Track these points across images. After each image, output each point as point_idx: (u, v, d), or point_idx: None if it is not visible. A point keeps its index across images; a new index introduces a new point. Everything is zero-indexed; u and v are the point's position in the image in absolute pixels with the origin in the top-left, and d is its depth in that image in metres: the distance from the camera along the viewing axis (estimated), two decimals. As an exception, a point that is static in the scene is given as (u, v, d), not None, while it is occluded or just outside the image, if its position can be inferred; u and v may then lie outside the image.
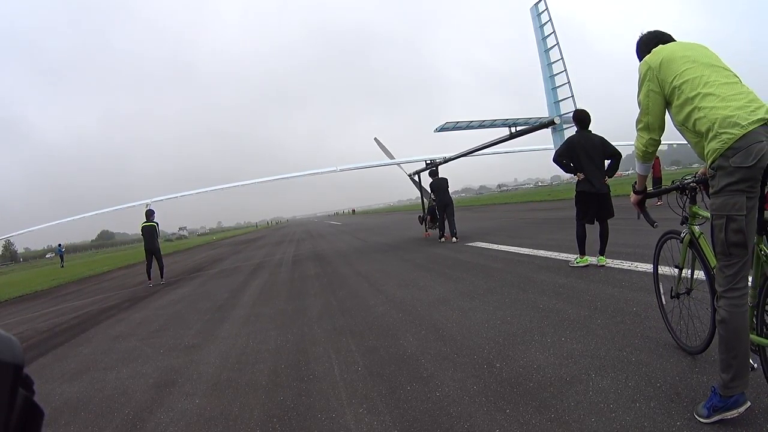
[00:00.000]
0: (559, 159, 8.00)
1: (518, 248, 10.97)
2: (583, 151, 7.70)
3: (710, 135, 2.66)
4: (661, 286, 3.98)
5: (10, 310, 16.57)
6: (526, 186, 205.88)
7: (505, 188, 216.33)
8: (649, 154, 3.18)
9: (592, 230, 7.89)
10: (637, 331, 4.30)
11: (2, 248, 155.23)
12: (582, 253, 7.83)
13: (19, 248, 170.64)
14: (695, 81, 2.81)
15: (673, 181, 3.50)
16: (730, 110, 2.63)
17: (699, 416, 2.73)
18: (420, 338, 5.26)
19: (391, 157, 22.95)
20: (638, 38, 3.40)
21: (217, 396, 4.49)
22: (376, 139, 24.25)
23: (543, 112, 13.41)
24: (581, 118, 7.95)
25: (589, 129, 7.95)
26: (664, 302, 3.96)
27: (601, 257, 7.56)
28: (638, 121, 3.14)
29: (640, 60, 3.23)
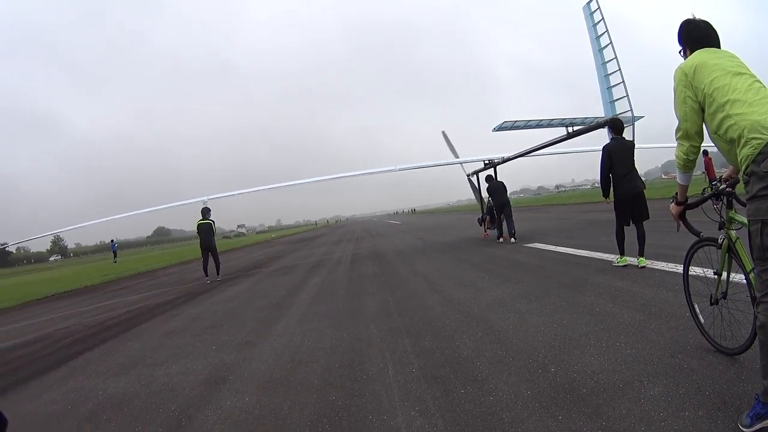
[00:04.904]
0: (606, 171, 8.43)
1: (575, 250, 11.23)
2: (618, 156, 8.24)
3: (741, 141, 2.74)
4: (689, 291, 4.15)
5: (58, 305, 17.19)
6: (583, 187, 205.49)
7: (562, 189, 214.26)
8: (690, 162, 3.28)
9: (631, 232, 8.22)
10: (689, 338, 4.33)
11: (51, 243, 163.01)
12: (621, 253, 8.39)
13: (70, 244, 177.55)
14: (724, 89, 2.91)
15: (704, 190, 3.54)
16: (757, 115, 2.72)
17: (742, 425, 2.76)
18: (476, 340, 5.37)
19: (456, 155, 23.14)
20: (684, 23, 3.46)
21: (267, 394, 4.64)
22: (443, 133, 24.33)
23: (597, 111, 13.85)
24: (616, 125, 8.72)
25: (623, 135, 8.66)
26: (696, 308, 4.13)
27: (641, 258, 7.94)
28: (677, 130, 3.25)
29: (681, 43, 3.42)
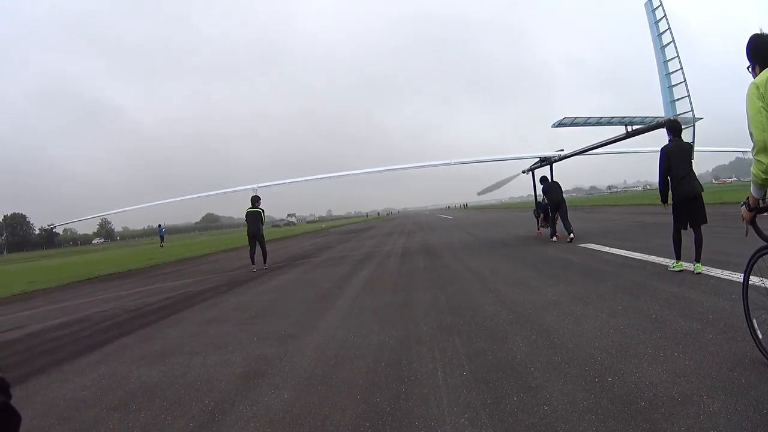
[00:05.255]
0: (664, 174, 8.37)
1: (629, 252, 11.25)
2: (676, 158, 8.23)
3: None
4: (748, 302, 4.12)
5: (99, 287, 17.39)
6: (635, 188, 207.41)
7: (614, 189, 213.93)
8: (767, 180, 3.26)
9: (687, 236, 8.22)
10: (746, 351, 4.23)
11: (98, 226, 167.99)
12: (677, 257, 8.38)
13: (117, 227, 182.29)
14: None
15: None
16: None
17: None
18: (530, 343, 5.25)
19: (499, 186, 23.92)
20: (753, 38, 3.45)
21: (307, 392, 4.49)
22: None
23: (651, 112, 14.03)
24: (674, 126, 8.69)
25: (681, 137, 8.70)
26: (755, 323, 4.03)
27: (697, 264, 7.95)
28: (754, 147, 3.22)
29: (749, 59, 3.45)
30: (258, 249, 17.08)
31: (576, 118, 14.89)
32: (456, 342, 5.57)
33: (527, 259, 12.24)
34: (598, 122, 14.95)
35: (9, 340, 8.79)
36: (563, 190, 17.46)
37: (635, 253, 10.78)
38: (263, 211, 17.68)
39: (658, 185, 8.58)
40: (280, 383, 4.80)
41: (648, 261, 9.68)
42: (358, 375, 4.80)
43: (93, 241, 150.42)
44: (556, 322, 5.92)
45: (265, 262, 17.23)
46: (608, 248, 12.30)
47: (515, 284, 8.78)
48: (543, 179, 18.18)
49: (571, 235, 15.27)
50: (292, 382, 4.81)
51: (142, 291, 14.41)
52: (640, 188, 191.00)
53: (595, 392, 3.77)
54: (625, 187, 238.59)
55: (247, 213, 17.36)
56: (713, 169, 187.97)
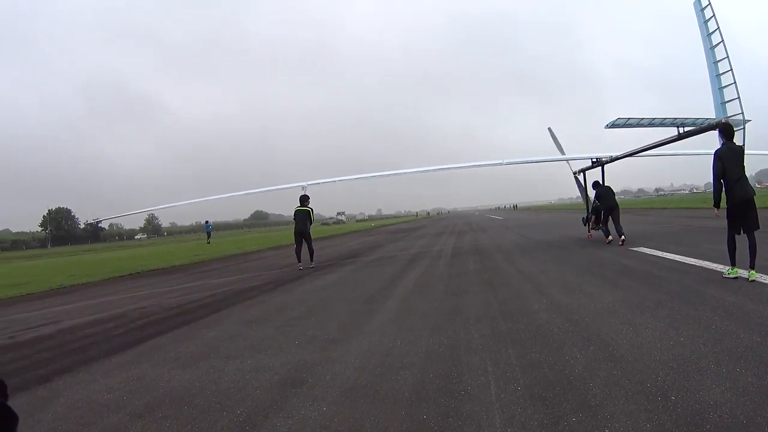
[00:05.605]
0: (719, 177, 8.34)
1: (682, 257, 11.10)
2: (729, 161, 8.20)
3: None
4: None
5: (141, 282, 17.53)
6: (681, 191, 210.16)
7: (661, 192, 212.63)
8: None
9: (742, 242, 8.08)
10: None
11: (145, 222, 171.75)
12: (732, 264, 8.29)
13: (165, 223, 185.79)
14: None
15: None
16: None
17: None
18: (587, 355, 5.04)
19: (562, 152, 23.30)
20: None
21: (348, 405, 4.26)
22: (549, 129, 24.45)
23: (700, 113, 13.96)
24: (727, 129, 8.72)
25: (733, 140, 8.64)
26: None
27: (752, 272, 7.85)
28: None
29: None
30: (304, 247, 17.20)
31: (629, 118, 14.86)
32: (509, 352, 5.35)
33: (580, 263, 12.14)
34: (651, 123, 14.92)
35: (40, 336, 8.81)
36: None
37: (688, 258, 10.69)
38: (312, 210, 17.97)
39: (713, 189, 8.46)
40: (319, 394, 4.55)
41: (702, 267, 9.55)
42: (405, 387, 4.54)
43: (136, 237, 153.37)
44: (613, 331, 5.74)
45: (311, 260, 17.35)
46: (661, 252, 12.22)
47: (569, 290, 8.59)
48: (595, 184, 18.23)
49: (623, 237, 15.46)
50: (332, 393, 4.56)
51: (184, 288, 14.40)
52: (686, 191, 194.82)
53: (658, 413, 3.58)
54: (672, 190, 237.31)
55: (295, 211, 17.65)
56: (756, 173, 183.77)
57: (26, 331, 9.32)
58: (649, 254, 12.25)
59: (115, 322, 9.39)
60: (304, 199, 17.80)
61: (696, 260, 10.26)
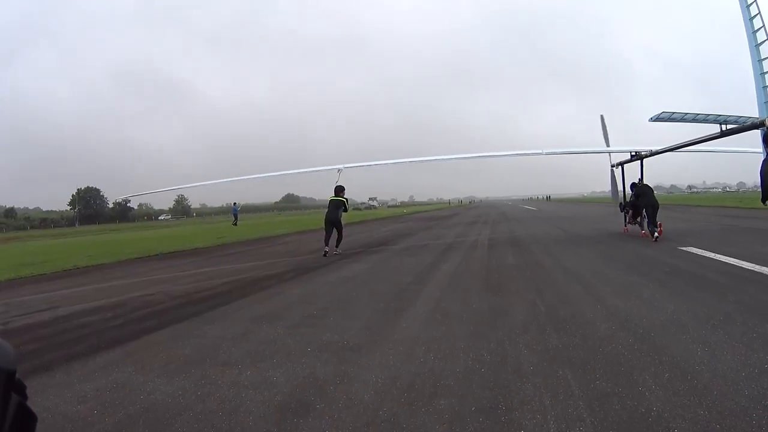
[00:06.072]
0: None
1: (737, 260, 10.39)
2: None
3: None
4: None
5: (158, 266, 16.84)
6: (714, 189, 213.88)
7: (694, 190, 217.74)
8: None
9: None
10: None
11: (175, 202, 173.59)
12: None
13: (195, 204, 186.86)
14: None
15: None
16: None
17: None
18: (663, 385, 4.10)
19: (607, 143, 23.30)
20: None
21: None
22: (601, 117, 24.26)
23: (741, 111, 14.20)
24: None
25: None
26: None
27: None
28: None
29: None
30: (334, 235, 17.19)
31: (674, 113, 15.17)
32: (568, 377, 4.39)
33: (626, 261, 11.72)
34: (695, 119, 15.10)
35: (33, 323, 8.14)
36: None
37: (744, 262, 9.94)
38: (347, 200, 18.22)
39: (760, 185, 8.45)
40: (327, 426, 3.62)
41: (762, 273, 8.84)
42: (438, 424, 3.57)
43: (159, 217, 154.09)
44: (687, 352, 4.88)
45: (337, 246, 17.29)
46: (712, 254, 11.53)
47: (624, 293, 7.80)
48: (633, 185, 18.64)
49: (656, 234, 15.57)
50: (344, 426, 3.61)
51: (199, 273, 13.73)
52: (719, 189, 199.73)
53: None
54: (704, 188, 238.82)
55: (330, 200, 18.04)
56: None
57: (21, 317, 8.65)
58: (699, 254, 11.78)
59: (115, 311, 8.67)
60: (339, 190, 18.01)
61: (752, 264, 9.60)
